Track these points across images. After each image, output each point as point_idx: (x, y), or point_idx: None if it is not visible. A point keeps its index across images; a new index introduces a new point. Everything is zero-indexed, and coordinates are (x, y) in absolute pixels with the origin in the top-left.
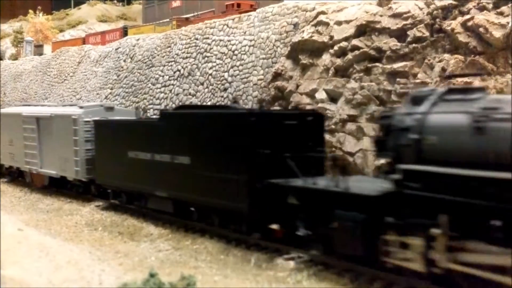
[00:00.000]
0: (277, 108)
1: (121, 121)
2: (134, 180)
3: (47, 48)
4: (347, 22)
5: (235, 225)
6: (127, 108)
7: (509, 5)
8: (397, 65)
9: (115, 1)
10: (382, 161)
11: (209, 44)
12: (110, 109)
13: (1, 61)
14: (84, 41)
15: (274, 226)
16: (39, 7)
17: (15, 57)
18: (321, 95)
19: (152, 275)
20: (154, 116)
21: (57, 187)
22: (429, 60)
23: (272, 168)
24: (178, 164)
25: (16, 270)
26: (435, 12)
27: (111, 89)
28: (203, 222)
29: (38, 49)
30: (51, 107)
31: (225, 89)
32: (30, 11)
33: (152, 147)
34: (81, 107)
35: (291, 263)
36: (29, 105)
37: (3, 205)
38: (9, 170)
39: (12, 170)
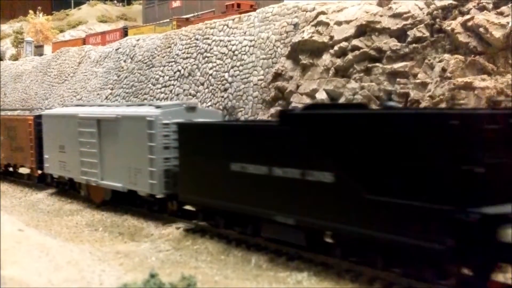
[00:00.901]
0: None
1: (219, 125)
2: (239, 200)
3: (47, 49)
4: (347, 22)
5: (423, 272)
6: (209, 108)
7: (509, 5)
8: (397, 65)
9: (115, 2)
10: None
11: (209, 45)
12: (192, 109)
13: (2, 61)
14: (84, 41)
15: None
16: (39, 8)
17: (15, 58)
18: (321, 95)
19: (152, 276)
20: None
21: (122, 203)
22: (429, 60)
23: (485, 191)
24: (315, 182)
25: (16, 270)
26: (435, 12)
27: (112, 89)
28: (355, 261)
29: (39, 50)
30: (116, 107)
31: (225, 89)
32: (30, 11)
33: (269, 159)
34: (158, 107)
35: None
36: (83, 105)
37: (4, 206)
38: (58, 180)
39: (61, 181)
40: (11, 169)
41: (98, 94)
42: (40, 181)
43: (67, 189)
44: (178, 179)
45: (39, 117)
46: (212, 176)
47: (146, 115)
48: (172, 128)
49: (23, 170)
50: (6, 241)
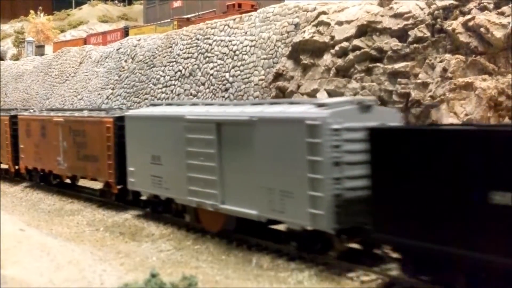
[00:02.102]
0: None
1: (463, 134)
2: None
3: (48, 49)
4: (348, 22)
5: None
6: (381, 106)
7: (510, 5)
8: (398, 65)
9: (116, 2)
10: None
11: (210, 45)
12: (366, 108)
13: (3, 61)
14: (85, 41)
15: None
16: (40, 8)
17: (16, 58)
18: (322, 95)
19: (153, 275)
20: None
21: (252, 234)
22: (430, 60)
23: None
24: None
25: (17, 270)
26: (436, 12)
27: (113, 89)
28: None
29: (40, 50)
30: (244, 106)
31: (226, 89)
32: (31, 11)
33: None
34: (321, 105)
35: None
36: (181, 104)
37: (5, 205)
38: (147, 199)
39: (153, 201)
40: (70, 181)
41: (99, 94)
42: (118, 199)
43: (160, 211)
44: (372, 208)
45: (120, 119)
46: (450, 210)
47: (306, 117)
48: (347, 136)
49: (89, 184)
50: (7, 241)
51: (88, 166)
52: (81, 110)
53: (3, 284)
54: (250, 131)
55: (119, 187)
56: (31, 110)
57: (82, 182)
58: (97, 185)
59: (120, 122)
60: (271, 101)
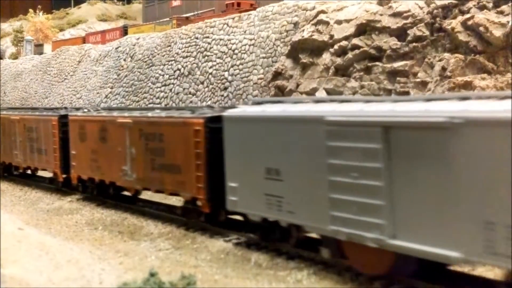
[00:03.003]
0: None
1: None
2: None
3: (47, 47)
4: (347, 21)
5: None
6: None
7: (509, 4)
8: (397, 64)
9: (115, 0)
10: None
11: (209, 43)
12: None
13: (1, 60)
14: (84, 40)
15: None
16: (39, 6)
17: (15, 56)
18: (321, 94)
19: (152, 274)
20: None
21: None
22: (429, 59)
23: None
24: None
25: (16, 269)
26: (435, 11)
27: (111, 88)
28: None
29: (38, 48)
30: (420, 102)
31: (225, 88)
32: (30, 10)
33: None
34: None
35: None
36: (297, 102)
37: (4, 204)
38: (255, 222)
39: (265, 225)
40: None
41: (98, 93)
42: (209, 219)
43: (276, 239)
44: None
45: (214, 120)
46: None
47: None
48: None
49: (157, 197)
50: (7, 240)
51: (167, 178)
52: (152, 109)
53: (2, 283)
54: (447, 138)
55: (209, 204)
56: (85, 110)
57: (147, 195)
58: (162, 198)
59: (213, 124)
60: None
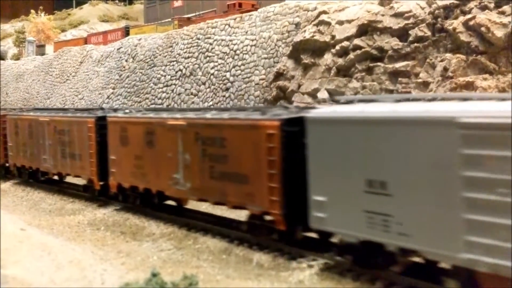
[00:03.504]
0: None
1: None
2: None
3: (49, 48)
4: (349, 21)
5: None
6: None
7: (511, 4)
8: (399, 65)
9: (117, 1)
10: None
11: (211, 44)
12: None
13: (4, 61)
14: (86, 41)
15: None
16: (41, 7)
17: (17, 57)
18: (323, 94)
19: (154, 275)
20: None
21: None
22: (431, 59)
23: None
24: None
25: (18, 269)
26: (436, 11)
27: (113, 89)
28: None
29: (40, 49)
30: None
31: (227, 89)
32: (32, 11)
33: None
34: None
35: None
36: (385, 101)
37: (6, 205)
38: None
39: (359, 247)
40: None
41: (100, 94)
42: (284, 237)
43: (378, 265)
44: None
45: (292, 122)
46: None
47: None
48: None
49: (211, 209)
50: (8, 241)
51: (230, 189)
52: (209, 109)
53: (4, 284)
54: None
55: (280, 218)
56: (127, 111)
57: (192, 206)
58: (210, 209)
59: (291, 127)
60: None
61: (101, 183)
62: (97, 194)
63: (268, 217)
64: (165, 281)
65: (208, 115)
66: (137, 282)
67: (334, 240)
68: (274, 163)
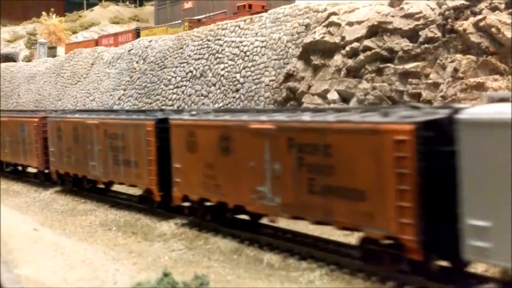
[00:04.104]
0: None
1: None
2: None
3: (60, 50)
4: (359, 22)
5: None
6: None
7: None
8: (409, 66)
9: (127, 3)
10: None
11: (221, 45)
12: None
13: (15, 62)
14: (97, 42)
15: None
16: (52, 9)
17: (28, 59)
18: (333, 95)
19: (166, 275)
20: None
21: None
22: (441, 60)
23: None
24: None
25: (31, 269)
26: (447, 12)
27: (124, 90)
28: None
29: (52, 51)
30: None
31: (237, 90)
32: (43, 13)
33: None
34: None
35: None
36: None
37: (18, 206)
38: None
39: None
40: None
41: (111, 95)
42: (418, 269)
43: None
44: None
45: (429, 125)
46: None
47: None
48: None
49: (309, 229)
50: (22, 241)
51: (339, 206)
52: (302, 109)
53: (18, 283)
54: None
55: (415, 246)
56: (193, 112)
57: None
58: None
59: (428, 132)
60: None
61: (161, 193)
62: (156, 206)
63: (388, 241)
64: (177, 281)
65: (306, 117)
66: (149, 282)
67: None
68: (405, 176)
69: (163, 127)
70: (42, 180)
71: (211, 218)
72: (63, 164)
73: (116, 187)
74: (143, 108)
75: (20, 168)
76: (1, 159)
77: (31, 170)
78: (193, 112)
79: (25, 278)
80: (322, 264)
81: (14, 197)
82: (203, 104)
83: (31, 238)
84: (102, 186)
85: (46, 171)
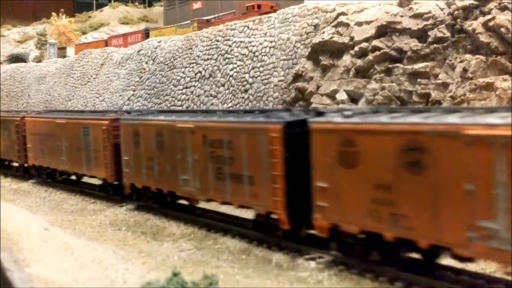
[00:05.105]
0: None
1: None
2: None
3: (70, 50)
4: (368, 22)
5: None
6: None
7: None
8: (418, 66)
9: (137, 3)
10: None
11: (229, 46)
12: None
13: (26, 63)
14: (106, 43)
15: None
16: (62, 10)
17: (39, 60)
18: (341, 96)
19: (175, 274)
20: None
21: None
22: (450, 60)
23: None
24: None
25: (42, 268)
26: (456, 12)
27: (134, 90)
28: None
29: (61, 51)
30: None
31: (246, 90)
32: (53, 13)
33: None
34: None
35: (312, 263)
36: None
37: (29, 206)
38: None
39: None
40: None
41: (120, 96)
42: None
43: None
44: None
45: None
46: None
47: None
48: None
49: None
50: (33, 240)
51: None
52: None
53: (29, 282)
54: None
55: None
56: (348, 112)
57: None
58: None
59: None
60: None
61: (288, 218)
62: (281, 235)
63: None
64: (186, 280)
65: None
66: (158, 281)
67: None
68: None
69: (293, 133)
70: (111, 194)
71: (383, 258)
72: (141, 177)
73: (210, 205)
74: (255, 108)
75: (74, 177)
76: (58, 168)
77: (85, 179)
78: (347, 112)
79: (36, 277)
80: (331, 265)
81: (25, 197)
82: (211, 104)
83: (42, 238)
84: (186, 202)
85: (115, 182)
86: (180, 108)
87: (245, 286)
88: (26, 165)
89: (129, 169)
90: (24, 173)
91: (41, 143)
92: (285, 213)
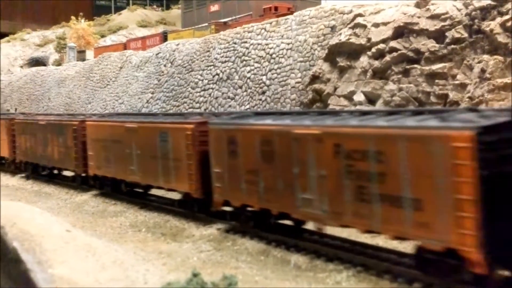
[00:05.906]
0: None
1: None
2: None
3: (90, 54)
4: (385, 24)
5: None
6: None
7: None
8: (436, 67)
9: (155, 6)
10: None
11: (247, 48)
12: None
13: (45, 66)
14: (125, 46)
15: None
16: (80, 13)
17: (58, 63)
18: (359, 97)
19: (195, 275)
20: None
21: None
22: (468, 61)
23: None
24: None
25: (64, 269)
26: (473, 13)
27: (152, 93)
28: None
29: (81, 55)
30: None
31: (263, 92)
32: (72, 17)
33: None
34: None
35: None
36: None
37: (50, 207)
38: None
39: None
40: None
41: (139, 98)
42: None
43: None
44: None
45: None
46: None
47: None
48: None
49: None
50: (55, 242)
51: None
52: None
53: (52, 283)
54: None
55: None
56: None
57: None
58: None
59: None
60: None
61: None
62: (469, 280)
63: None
64: (205, 281)
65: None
66: (179, 282)
67: None
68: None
69: (494, 142)
70: (195, 210)
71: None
72: (239, 193)
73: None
74: (394, 107)
75: (141, 190)
76: (126, 179)
77: (156, 191)
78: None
79: (59, 278)
80: (349, 266)
81: (46, 199)
82: (229, 106)
83: (64, 239)
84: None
85: (195, 196)
86: (233, 110)
87: (263, 287)
88: (84, 174)
89: (221, 183)
90: (82, 184)
91: (105, 150)
92: (479, 254)
